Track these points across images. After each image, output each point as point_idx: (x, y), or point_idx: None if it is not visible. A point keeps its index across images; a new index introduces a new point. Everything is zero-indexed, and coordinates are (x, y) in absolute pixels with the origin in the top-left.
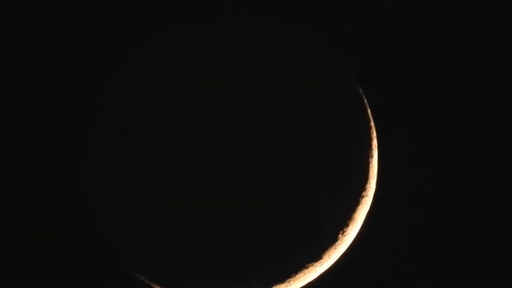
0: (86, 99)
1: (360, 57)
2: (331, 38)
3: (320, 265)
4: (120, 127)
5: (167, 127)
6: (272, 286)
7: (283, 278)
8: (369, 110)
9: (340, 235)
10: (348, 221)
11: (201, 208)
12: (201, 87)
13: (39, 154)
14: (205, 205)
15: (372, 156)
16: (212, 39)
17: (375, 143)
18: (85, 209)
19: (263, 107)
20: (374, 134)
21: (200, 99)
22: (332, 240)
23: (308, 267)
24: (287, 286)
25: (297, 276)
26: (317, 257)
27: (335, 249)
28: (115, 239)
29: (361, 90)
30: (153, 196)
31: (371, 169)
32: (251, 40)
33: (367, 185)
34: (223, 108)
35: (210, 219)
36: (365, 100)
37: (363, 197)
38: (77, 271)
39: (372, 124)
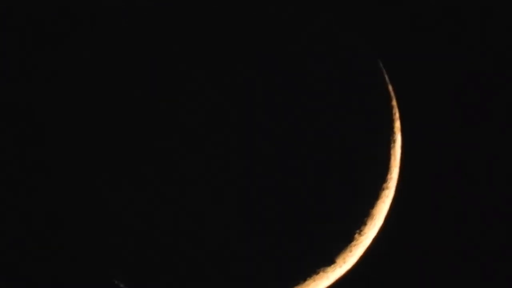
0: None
1: (379, 27)
2: (344, 9)
3: (333, 270)
4: (87, 119)
5: (154, 122)
6: None
7: (290, 286)
8: (390, 87)
9: (356, 235)
10: (366, 218)
11: (194, 204)
12: (192, 82)
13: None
14: (198, 200)
15: (394, 141)
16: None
17: (397, 125)
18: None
19: (267, 91)
20: (397, 115)
21: (193, 93)
22: (347, 240)
23: (318, 273)
24: None
25: (306, 283)
26: (329, 260)
27: (350, 251)
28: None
29: (381, 64)
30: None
31: (392, 157)
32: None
33: (389, 176)
34: (220, 100)
35: (204, 217)
36: (386, 75)
37: (384, 189)
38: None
39: (394, 103)
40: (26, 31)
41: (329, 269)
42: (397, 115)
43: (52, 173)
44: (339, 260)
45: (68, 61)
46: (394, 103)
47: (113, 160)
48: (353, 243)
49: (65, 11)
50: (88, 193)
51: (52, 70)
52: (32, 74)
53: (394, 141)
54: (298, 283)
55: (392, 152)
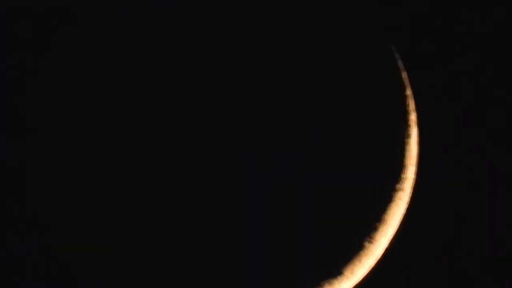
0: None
1: (391, 8)
2: None
3: (340, 283)
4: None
5: (152, 121)
6: None
7: None
8: (404, 74)
9: (366, 243)
10: (377, 224)
11: (193, 206)
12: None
13: None
14: (198, 202)
15: (409, 136)
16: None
17: (413, 117)
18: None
19: (269, 85)
20: (412, 106)
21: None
22: (355, 249)
23: (323, 286)
24: None
25: None
26: (336, 272)
27: (359, 261)
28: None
29: (393, 47)
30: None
31: (407, 153)
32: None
33: (403, 175)
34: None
35: (203, 220)
36: (399, 60)
37: (397, 191)
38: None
39: (409, 92)
40: (26, 30)
41: (335, 281)
42: (412, 106)
43: (41, 173)
44: (347, 272)
45: (67, 60)
46: (409, 92)
47: (107, 160)
48: (362, 252)
49: (65, 11)
50: (81, 194)
51: (50, 70)
52: (31, 74)
53: (409, 136)
54: None
55: (407, 148)
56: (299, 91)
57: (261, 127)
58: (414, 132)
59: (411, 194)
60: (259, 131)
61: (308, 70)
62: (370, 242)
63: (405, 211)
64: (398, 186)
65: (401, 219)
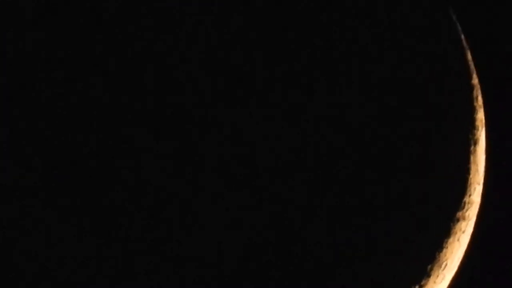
0: None
1: None
2: None
3: None
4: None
5: (151, 119)
6: None
7: None
8: (469, 56)
9: None
10: (430, 267)
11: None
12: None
13: None
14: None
15: (475, 143)
16: None
17: (481, 117)
18: None
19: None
20: (480, 101)
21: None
22: None
23: None
24: None
25: None
26: None
27: None
28: None
29: (459, 27)
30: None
31: (473, 167)
32: None
33: (466, 199)
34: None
35: (193, 245)
36: (465, 45)
37: (459, 221)
38: None
39: (476, 81)
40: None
41: None
42: (480, 100)
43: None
44: None
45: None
46: (476, 81)
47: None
48: None
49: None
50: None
51: (44, 72)
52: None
53: (475, 143)
54: None
55: (472, 159)
56: (343, 79)
57: (299, 138)
58: (482, 136)
59: (476, 225)
60: (282, 142)
61: (358, 50)
62: None
63: (467, 248)
64: (459, 214)
65: (462, 259)
